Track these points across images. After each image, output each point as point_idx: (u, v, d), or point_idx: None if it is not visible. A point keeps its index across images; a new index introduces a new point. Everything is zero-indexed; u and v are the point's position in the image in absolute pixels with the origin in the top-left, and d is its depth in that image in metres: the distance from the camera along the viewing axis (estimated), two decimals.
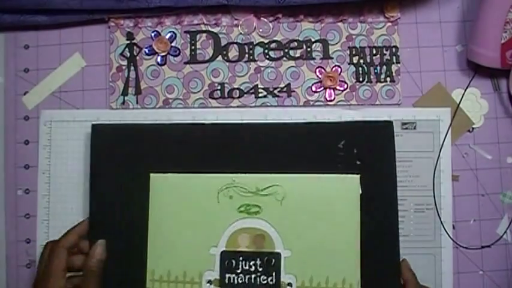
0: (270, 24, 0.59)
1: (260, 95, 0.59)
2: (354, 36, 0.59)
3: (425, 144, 0.57)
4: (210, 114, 0.58)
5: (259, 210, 0.54)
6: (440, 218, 0.56)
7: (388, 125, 0.55)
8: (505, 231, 0.57)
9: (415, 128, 0.57)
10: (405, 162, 0.56)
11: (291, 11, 0.58)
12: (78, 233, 0.54)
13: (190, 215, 0.54)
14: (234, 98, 0.59)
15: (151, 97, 0.59)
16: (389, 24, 0.59)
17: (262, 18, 0.59)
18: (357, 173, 0.54)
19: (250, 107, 0.58)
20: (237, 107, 0.58)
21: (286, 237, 0.54)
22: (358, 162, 0.54)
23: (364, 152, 0.54)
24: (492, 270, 0.57)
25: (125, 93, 0.59)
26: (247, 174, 0.54)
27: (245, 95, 0.59)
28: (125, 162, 0.55)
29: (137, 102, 0.59)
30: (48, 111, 0.59)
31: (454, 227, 0.57)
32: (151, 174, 0.55)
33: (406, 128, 0.57)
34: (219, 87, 0.59)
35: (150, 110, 0.59)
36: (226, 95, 0.59)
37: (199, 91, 0.59)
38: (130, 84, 0.59)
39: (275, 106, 0.58)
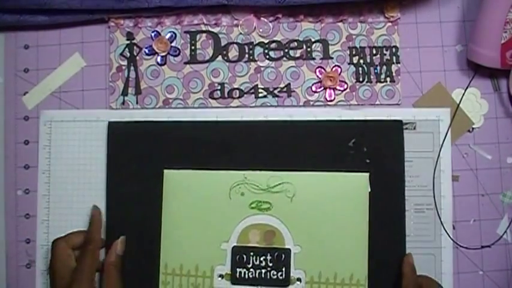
0: (270, 24, 0.59)
1: (260, 95, 0.59)
2: (354, 36, 0.59)
3: (425, 144, 0.57)
4: (210, 114, 0.58)
5: (270, 206, 0.55)
6: (440, 218, 0.56)
7: (397, 124, 0.56)
8: (505, 231, 0.57)
9: (415, 128, 0.57)
10: (405, 162, 0.56)
11: (291, 11, 0.58)
12: (100, 231, 0.55)
13: (203, 210, 0.55)
14: (234, 98, 0.59)
15: (151, 97, 0.59)
16: (389, 24, 0.59)
17: (262, 18, 0.59)
18: (366, 171, 0.55)
19: (250, 107, 0.58)
20: (237, 107, 0.58)
21: (296, 233, 0.55)
22: (367, 161, 0.55)
23: (374, 151, 0.55)
24: (492, 270, 0.57)
25: (125, 93, 0.59)
26: (258, 172, 0.56)
27: (245, 95, 0.59)
28: (139, 159, 0.56)
29: (137, 102, 0.59)
30: (48, 111, 0.59)
31: (454, 227, 0.57)
32: (165, 171, 0.56)
33: (406, 128, 0.57)
34: (219, 87, 0.59)
35: (150, 110, 0.59)
36: (226, 95, 0.59)
37: (199, 91, 0.59)
38: (130, 84, 0.59)
39: (275, 106, 0.58)
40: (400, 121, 0.57)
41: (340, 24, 0.59)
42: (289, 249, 0.55)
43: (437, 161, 0.57)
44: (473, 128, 0.58)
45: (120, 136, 0.57)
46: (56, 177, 0.58)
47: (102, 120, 0.58)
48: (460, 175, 0.57)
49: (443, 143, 0.57)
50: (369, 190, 0.55)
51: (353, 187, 0.55)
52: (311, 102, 0.58)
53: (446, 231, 0.56)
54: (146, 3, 0.56)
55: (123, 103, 0.59)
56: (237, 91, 0.59)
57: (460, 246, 0.57)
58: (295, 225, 0.55)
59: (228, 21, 0.59)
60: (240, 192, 0.55)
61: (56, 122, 0.59)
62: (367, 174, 0.55)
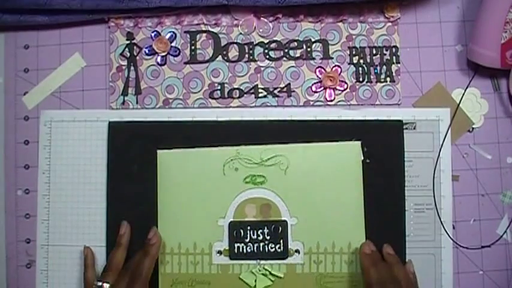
0: (270, 24, 0.59)
1: (260, 95, 0.58)
2: (354, 36, 0.59)
3: (425, 144, 0.57)
4: (210, 114, 0.58)
5: (265, 180, 0.56)
6: (440, 218, 0.56)
7: (397, 124, 0.56)
8: (505, 231, 0.57)
9: (415, 128, 0.57)
10: (405, 162, 0.56)
11: (291, 11, 0.58)
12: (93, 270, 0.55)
13: (198, 188, 0.56)
14: (234, 98, 0.59)
15: (151, 97, 0.59)
16: (389, 24, 0.59)
17: (262, 18, 0.59)
18: (358, 140, 0.56)
19: (250, 107, 0.58)
20: (237, 107, 0.58)
21: (291, 205, 0.55)
22: (367, 161, 0.56)
23: (374, 151, 0.56)
24: (492, 270, 0.57)
25: (125, 93, 0.59)
26: (251, 146, 0.56)
27: (245, 95, 0.59)
28: (139, 159, 0.57)
29: (137, 102, 0.59)
30: (48, 111, 0.59)
31: (454, 227, 0.57)
32: (158, 151, 0.57)
33: (406, 128, 0.57)
34: (219, 87, 0.59)
35: (150, 110, 0.59)
36: (226, 95, 0.59)
37: (199, 91, 0.59)
38: (130, 84, 0.59)
39: (275, 106, 0.58)
40: (400, 121, 0.57)
41: (340, 24, 0.59)
42: (285, 221, 0.55)
43: (437, 161, 0.57)
44: (473, 128, 0.58)
45: (120, 136, 0.57)
46: (56, 177, 0.58)
47: (102, 120, 0.58)
48: (460, 175, 0.57)
49: (443, 143, 0.57)
50: (362, 158, 0.55)
51: (346, 156, 0.56)
52: (311, 102, 0.58)
53: (446, 231, 0.56)
54: (146, 3, 0.56)
55: (123, 103, 0.59)
56: (237, 91, 0.59)
57: (460, 246, 0.57)
58: (291, 197, 0.55)
59: (228, 21, 0.59)
60: (233, 167, 0.56)
61: (56, 122, 0.59)
62: (359, 143, 0.56)
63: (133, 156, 0.57)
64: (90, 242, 0.57)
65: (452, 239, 0.56)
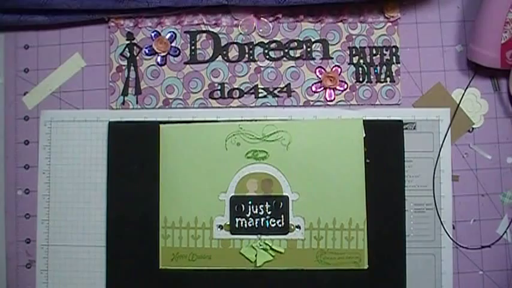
0: (270, 24, 0.59)
1: (260, 95, 0.59)
2: (354, 36, 0.59)
3: (425, 144, 0.57)
4: (210, 114, 0.58)
5: (266, 155, 0.56)
6: (440, 218, 0.56)
7: (397, 124, 0.56)
8: (505, 231, 0.57)
9: (415, 128, 0.57)
10: (405, 162, 0.56)
11: (291, 11, 0.59)
12: None
13: (200, 163, 0.56)
14: (234, 98, 0.59)
15: (151, 97, 0.59)
16: (389, 24, 0.59)
17: (262, 18, 0.59)
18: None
19: (250, 107, 0.58)
20: (237, 107, 0.58)
21: (293, 180, 0.56)
22: (367, 161, 0.56)
23: (374, 151, 0.56)
24: (492, 270, 0.57)
25: (125, 93, 0.59)
26: (253, 122, 0.57)
27: (245, 95, 0.59)
28: (139, 159, 0.57)
29: (137, 102, 0.59)
30: (48, 111, 0.59)
31: (454, 227, 0.57)
32: (161, 125, 0.57)
33: (406, 128, 0.57)
34: (219, 87, 0.59)
35: (150, 110, 0.59)
36: (226, 95, 0.59)
37: (199, 91, 0.59)
38: (131, 84, 0.59)
39: (275, 106, 0.58)
40: (400, 121, 0.57)
41: (340, 24, 0.59)
42: (287, 197, 0.55)
43: (437, 161, 0.57)
44: (473, 128, 0.58)
45: (120, 136, 0.57)
46: (56, 177, 0.58)
47: (102, 120, 0.58)
48: (460, 175, 0.57)
49: (443, 143, 0.57)
50: (364, 135, 0.55)
51: (348, 132, 0.56)
52: (311, 102, 0.58)
53: (446, 231, 0.56)
54: (146, 3, 0.57)
55: (123, 103, 0.59)
56: (237, 91, 0.59)
57: (460, 246, 0.57)
58: (292, 172, 0.56)
59: (228, 21, 0.59)
60: (236, 142, 0.56)
61: (56, 122, 0.59)
62: (361, 119, 0.56)
63: (133, 156, 0.57)
64: (90, 242, 0.57)
65: (452, 239, 0.56)
